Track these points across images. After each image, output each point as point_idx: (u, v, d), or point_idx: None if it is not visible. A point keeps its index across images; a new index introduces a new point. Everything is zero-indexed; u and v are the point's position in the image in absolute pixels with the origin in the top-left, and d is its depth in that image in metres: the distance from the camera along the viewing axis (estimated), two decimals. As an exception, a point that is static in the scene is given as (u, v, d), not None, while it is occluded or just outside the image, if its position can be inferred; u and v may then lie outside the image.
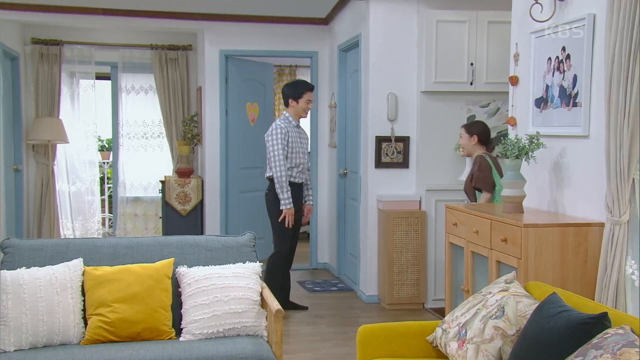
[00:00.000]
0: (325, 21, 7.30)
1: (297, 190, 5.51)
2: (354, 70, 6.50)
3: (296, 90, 5.49)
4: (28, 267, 3.33)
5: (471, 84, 5.65)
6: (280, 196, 5.32)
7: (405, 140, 5.94)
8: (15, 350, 3.09)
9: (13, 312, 3.12)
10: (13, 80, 7.40)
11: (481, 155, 4.95)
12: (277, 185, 5.32)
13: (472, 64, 5.62)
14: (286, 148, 5.38)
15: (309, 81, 6.69)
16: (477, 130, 5.04)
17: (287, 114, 5.53)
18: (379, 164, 5.91)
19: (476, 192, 4.98)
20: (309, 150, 5.85)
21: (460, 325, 2.82)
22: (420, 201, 5.82)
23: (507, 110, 4.36)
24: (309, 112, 5.69)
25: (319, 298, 6.20)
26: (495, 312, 2.69)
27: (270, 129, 5.45)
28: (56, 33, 7.77)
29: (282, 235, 5.51)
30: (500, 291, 2.82)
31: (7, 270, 3.29)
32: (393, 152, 5.94)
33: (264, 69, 7.84)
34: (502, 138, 4.61)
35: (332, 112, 7.29)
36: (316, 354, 4.63)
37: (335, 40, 7.09)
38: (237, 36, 7.20)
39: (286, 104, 5.56)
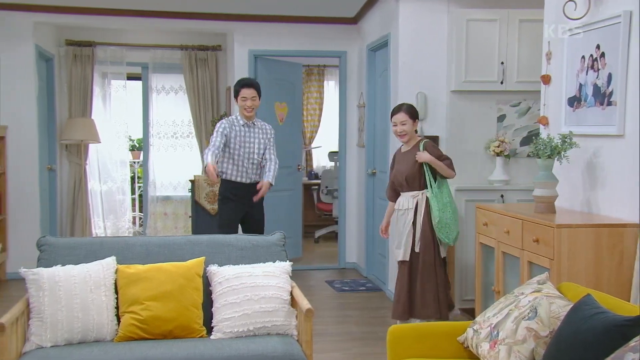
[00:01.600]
0: (354, 21, 7.29)
1: (242, 189, 5.23)
2: (383, 70, 6.48)
3: (235, 89, 5.26)
4: (63, 264, 3.37)
5: (501, 83, 5.59)
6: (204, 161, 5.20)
7: (434, 139, 5.89)
8: (51, 346, 3.15)
9: (49, 309, 3.17)
10: (48, 81, 7.53)
11: (430, 140, 4.84)
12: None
13: (502, 62, 5.56)
14: (224, 140, 5.11)
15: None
16: (417, 113, 4.80)
17: (237, 114, 5.34)
18: (408, 163, 5.87)
19: (435, 177, 4.70)
20: (269, 150, 5.40)
21: (492, 326, 2.79)
22: (449, 201, 5.76)
23: (539, 110, 4.31)
24: (253, 110, 5.22)
25: (347, 298, 6.20)
26: (528, 313, 2.66)
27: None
28: (89, 34, 7.88)
29: (221, 231, 5.11)
30: (533, 292, 2.78)
31: (43, 267, 3.35)
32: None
33: (293, 68, 7.85)
34: (533, 138, 4.55)
35: (360, 111, 7.27)
36: (345, 353, 4.63)
37: (364, 39, 7.08)
38: (266, 36, 7.22)
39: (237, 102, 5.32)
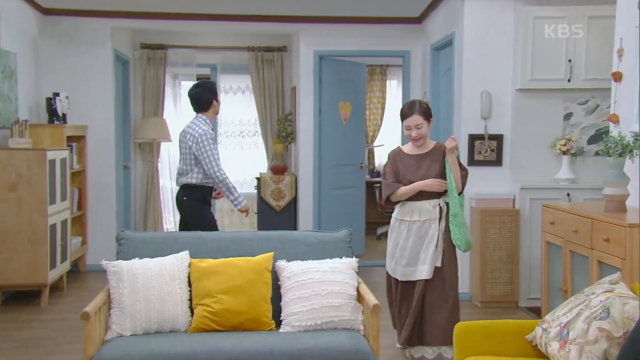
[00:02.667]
0: (418, 20, 7.22)
1: (210, 194, 5.13)
2: (447, 69, 6.40)
3: (214, 89, 5.11)
4: (140, 258, 3.47)
5: (569, 80, 5.44)
6: (232, 197, 4.95)
7: (498, 138, 5.79)
8: (130, 335, 3.25)
9: (128, 300, 3.27)
10: (124, 83, 7.76)
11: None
12: (224, 189, 4.92)
13: (570, 60, 5.41)
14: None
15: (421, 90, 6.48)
16: (431, 112, 4.16)
17: (204, 118, 4.99)
18: (472, 162, 5.79)
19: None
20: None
21: (562, 325, 2.72)
22: (514, 199, 5.66)
23: (607, 107, 4.20)
24: None
25: (410, 294, 6.14)
26: (600, 313, 2.58)
27: (198, 136, 4.88)
28: (162, 38, 8.08)
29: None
30: (605, 292, 2.70)
31: (122, 260, 3.46)
32: (486, 150, 5.81)
33: (357, 68, 7.85)
34: (603, 136, 4.41)
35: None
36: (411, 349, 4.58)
37: (428, 39, 7.00)
38: (331, 37, 7.24)
39: (207, 107, 5.00)
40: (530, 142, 5.67)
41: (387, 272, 4.26)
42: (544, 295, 4.33)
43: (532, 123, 5.65)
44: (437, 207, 4.05)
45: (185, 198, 5.03)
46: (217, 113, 5.21)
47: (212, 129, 5.04)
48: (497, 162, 5.80)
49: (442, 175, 4.04)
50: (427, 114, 4.05)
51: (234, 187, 4.98)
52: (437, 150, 4.10)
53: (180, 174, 5.07)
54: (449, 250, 4.08)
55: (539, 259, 5.08)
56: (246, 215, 5.29)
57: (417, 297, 4.06)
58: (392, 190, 4.05)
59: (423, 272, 4.05)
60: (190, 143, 4.93)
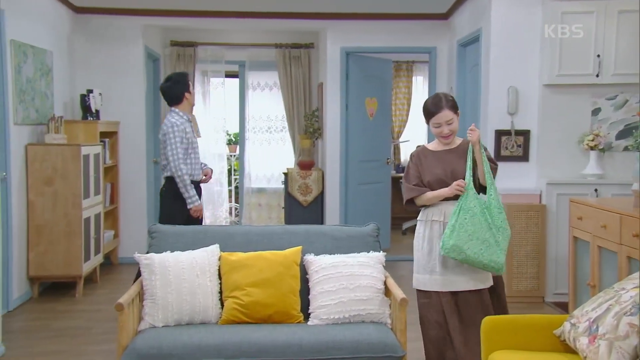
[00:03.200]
0: (445, 16, 7.16)
1: (196, 187, 4.88)
2: (474, 65, 6.34)
3: (186, 81, 4.88)
4: (172, 251, 3.50)
5: (597, 76, 5.35)
6: (187, 195, 4.70)
7: (525, 133, 5.72)
8: (163, 326, 3.28)
9: (160, 292, 3.30)
10: (154, 80, 7.83)
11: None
12: (180, 185, 4.67)
13: (598, 55, 5.32)
14: (185, 144, 4.74)
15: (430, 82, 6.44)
16: (457, 105, 3.68)
17: (177, 111, 4.81)
18: (498, 157, 5.73)
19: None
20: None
21: (591, 320, 2.68)
22: (540, 195, 5.60)
23: (637, 103, 4.11)
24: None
25: (436, 288, 6.11)
26: (630, 309, 2.54)
27: (166, 129, 4.73)
28: (192, 35, 8.13)
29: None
30: (635, 287, 2.65)
31: (154, 253, 3.49)
32: (513, 146, 5.75)
33: (384, 64, 7.81)
34: (633, 131, 4.33)
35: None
36: (436, 343, 4.56)
37: (455, 35, 6.94)
38: (358, 33, 7.22)
39: (179, 101, 4.82)
40: (558, 137, 5.60)
41: (419, 300, 3.63)
42: (571, 290, 4.27)
43: (560, 118, 5.58)
44: None
45: (164, 189, 4.90)
46: (193, 104, 5.01)
47: (189, 121, 4.86)
48: (524, 157, 5.73)
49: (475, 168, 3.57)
50: (455, 106, 3.62)
51: (190, 186, 4.71)
52: (463, 146, 3.63)
53: (161, 167, 4.93)
54: None
55: (566, 254, 5.02)
56: (198, 217, 4.85)
57: (445, 312, 3.52)
58: (416, 194, 3.60)
59: (463, 283, 3.48)
60: (160, 137, 4.86)
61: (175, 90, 4.83)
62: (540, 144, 5.67)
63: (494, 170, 3.57)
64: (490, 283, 3.54)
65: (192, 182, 4.80)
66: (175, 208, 4.77)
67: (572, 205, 4.27)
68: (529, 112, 5.69)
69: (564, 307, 5.02)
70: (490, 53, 5.69)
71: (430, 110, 3.59)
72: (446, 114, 3.55)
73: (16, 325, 4.87)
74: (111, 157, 6.85)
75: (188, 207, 4.74)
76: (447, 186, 3.52)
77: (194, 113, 8.12)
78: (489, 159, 3.57)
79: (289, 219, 7.62)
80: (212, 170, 5.18)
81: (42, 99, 5.84)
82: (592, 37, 5.33)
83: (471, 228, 3.40)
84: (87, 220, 5.79)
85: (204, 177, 5.01)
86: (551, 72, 5.43)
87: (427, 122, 3.64)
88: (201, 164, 5.02)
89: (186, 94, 4.85)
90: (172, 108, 4.86)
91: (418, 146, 3.86)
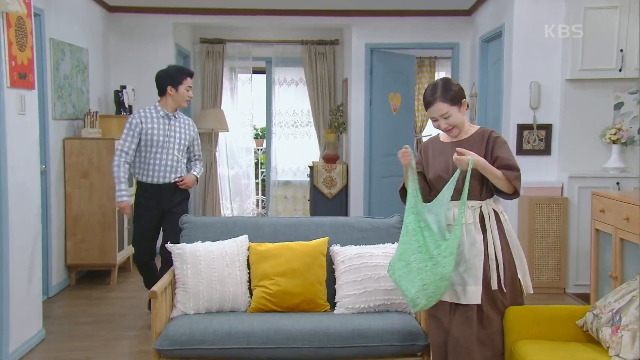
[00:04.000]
0: (468, 12, 7.10)
1: (157, 191, 4.43)
2: (496, 60, 6.27)
3: (176, 77, 4.41)
4: (202, 241, 3.53)
5: (620, 70, 5.27)
6: (116, 189, 4.39)
7: (547, 128, 5.66)
8: (194, 313, 3.31)
9: (192, 280, 3.33)
10: (186, 76, 7.88)
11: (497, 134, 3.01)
12: (113, 177, 4.40)
13: (621, 50, 5.23)
14: (138, 140, 4.36)
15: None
16: (461, 93, 2.99)
17: (156, 104, 4.46)
18: (520, 151, 5.67)
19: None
20: (197, 145, 4.67)
21: (614, 311, 2.65)
22: (562, 188, 5.53)
23: (661, 97, 4.04)
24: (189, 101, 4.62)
25: (458, 279, 6.08)
26: (653, 301, 2.51)
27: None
28: (220, 33, 8.18)
29: (134, 240, 4.62)
30: (658, 280, 2.62)
31: (186, 243, 3.52)
32: (535, 140, 5.68)
33: (407, 60, 7.77)
34: (655, 125, 4.26)
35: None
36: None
37: (477, 31, 6.88)
38: (382, 30, 7.19)
39: (161, 93, 4.42)
40: (580, 131, 5.52)
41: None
42: (593, 281, 4.22)
43: (582, 113, 5.50)
44: (474, 212, 2.90)
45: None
46: (180, 104, 4.44)
47: (165, 117, 4.41)
48: (546, 151, 5.67)
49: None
50: (455, 97, 2.92)
51: (121, 181, 4.37)
52: (478, 135, 2.98)
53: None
54: (510, 267, 2.90)
55: (587, 246, 4.96)
56: (125, 214, 4.52)
57: (459, 325, 2.87)
58: (400, 187, 3.17)
59: (471, 294, 2.83)
60: None
61: (160, 81, 4.42)
62: (562, 138, 5.60)
63: (515, 179, 2.85)
64: (473, 300, 2.82)
65: (149, 184, 4.41)
66: (139, 218, 4.51)
67: (594, 198, 4.22)
68: (551, 107, 5.63)
69: (585, 299, 4.96)
70: (513, 48, 5.62)
71: (425, 100, 2.99)
72: (439, 107, 2.92)
73: (55, 311, 4.96)
74: (143, 151, 6.91)
75: (116, 200, 4.46)
76: (441, 186, 2.94)
77: (222, 108, 8.21)
78: (505, 166, 2.86)
79: (314, 211, 7.63)
80: (196, 177, 4.59)
81: (78, 95, 5.91)
82: (616, 31, 5.24)
83: (402, 247, 2.92)
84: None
85: (170, 181, 4.45)
86: (574, 67, 5.36)
87: None
88: (190, 167, 4.61)
89: (169, 89, 4.38)
90: (158, 100, 4.49)
91: (433, 135, 3.25)
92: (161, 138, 4.39)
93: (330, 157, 7.76)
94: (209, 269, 3.37)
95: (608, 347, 2.60)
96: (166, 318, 3.28)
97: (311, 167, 7.77)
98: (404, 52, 7.62)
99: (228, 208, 8.86)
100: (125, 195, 4.43)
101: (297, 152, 8.97)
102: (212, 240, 3.54)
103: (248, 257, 3.51)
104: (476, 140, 2.96)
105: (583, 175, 5.42)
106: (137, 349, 4.16)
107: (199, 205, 8.37)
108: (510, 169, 2.86)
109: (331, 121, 8.01)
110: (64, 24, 5.65)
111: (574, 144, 5.55)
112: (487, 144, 2.94)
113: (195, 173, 4.59)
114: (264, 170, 9.64)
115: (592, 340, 2.83)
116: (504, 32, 5.87)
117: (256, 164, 9.89)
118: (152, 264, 4.70)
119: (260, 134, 10.08)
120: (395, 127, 7.59)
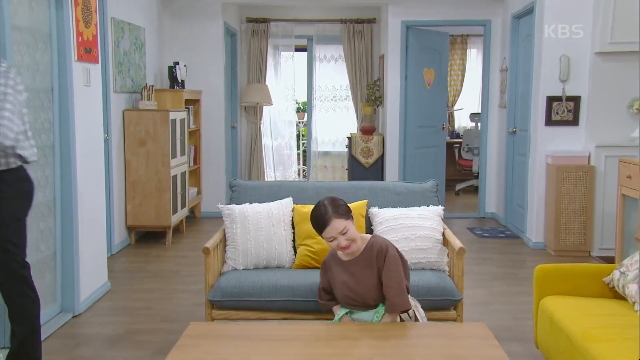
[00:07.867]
0: (500, -10, 6.89)
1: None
2: (526, 36, 6.09)
3: None
4: (250, 202, 3.55)
5: (648, 43, 5.06)
6: None
7: (576, 99, 5.49)
8: (243, 269, 3.35)
9: (240, 239, 3.36)
10: (232, 53, 7.89)
11: (385, 243, 2.76)
12: None
13: (651, 23, 5.01)
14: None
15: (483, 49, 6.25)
16: (348, 207, 2.69)
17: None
18: (549, 122, 5.53)
19: None
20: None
21: (641, 270, 2.58)
22: (589, 156, 5.38)
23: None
24: None
25: (487, 243, 6.03)
26: (680, 260, 2.43)
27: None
28: (265, 12, 8.12)
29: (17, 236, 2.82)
30: (685, 240, 2.53)
31: (235, 204, 3.55)
32: (563, 111, 5.53)
33: (441, 37, 7.61)
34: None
35: (502, 75, 6.92)
36: (489, 290, 4.52)
37: (508, 8, 6.67)
38: (417, 8, 7.04)
39: None
40: (607, 103, 5.35)
41: None
42: (619, 244, 4.12)
43: (610, 85, 5.32)
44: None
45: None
46: None
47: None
48: (574, 122, 5.52)
49: (380, 284, 2.66)
50: (347, 211, 2.64)
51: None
52: (368, 251, 2.68)
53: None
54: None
55: (612, 211, 4.84)
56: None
57: None
58: (326, 307, 2.89)
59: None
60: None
61: None
62: (590, 109, 5.44)
63: (397, 294, 2.59)
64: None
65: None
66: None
67: (621, 165, 4.09)
68: (580, 79, 5.46)
69: (609, 261, 4.85)
70: (544, 23, 5.44)
71: (318, 225, 2.64)
72: (336, 225, 2.58)
73: (118, 267, 5.10)
74: (194, 122, 6.98)
75: None
76: (354, 303, 2.71)
77: (266, 83, 8.20)
78: (390, 287, 2.61)
79: (352, 180, 7.61)
80: None
81: (136, 70, 5.97)
82: (645, 5, 5.02)
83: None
84: (175, 177, 5.95)
85: None
86: (603, 40, 5.16)
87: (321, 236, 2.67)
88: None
89: None
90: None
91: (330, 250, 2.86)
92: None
93: (367, 129, 7.70)
94: (256, 228, 3.38)
95: (634, 303, 2.54)
96: (218, 272, 3.33)
97: (349, 138, 7.73)
98: (438, 29, 7.45)
99: (271, 177, 8.91)
100: None
101: (336, 125, 8.93)
102: (259, 202, 3.55)
103: (292, 217, 3.51)
104: (367, 256, 2.68)
105: (610, 145, 5.26)
106: (191, 301, 4.25)
107: (245, 174, 8.44)
108: (394, 288, 2.61)
109: (368, 95, 7.93)
110: (124, 4, 5.68)
111: (601, 115, 5.38)
112: (378, 257, 2.66)
113: None
114: (305, 141, 9.63)
115: (618, 296, 2.77)
116: (535, 8, 5.67)
117: (298, 135, 9.89)
118: None
119: (302, 107, 10.05)
120: (429, 101, 7.47)
